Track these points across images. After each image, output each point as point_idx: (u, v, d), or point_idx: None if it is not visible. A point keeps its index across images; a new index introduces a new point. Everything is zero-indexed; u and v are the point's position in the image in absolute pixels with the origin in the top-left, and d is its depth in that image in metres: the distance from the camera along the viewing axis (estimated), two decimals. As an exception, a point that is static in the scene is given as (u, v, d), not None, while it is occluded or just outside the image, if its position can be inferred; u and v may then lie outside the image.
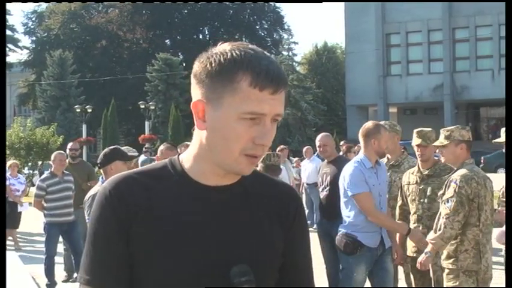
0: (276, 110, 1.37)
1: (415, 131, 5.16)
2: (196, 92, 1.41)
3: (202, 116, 1.40)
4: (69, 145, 9.07)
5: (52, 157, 7.74)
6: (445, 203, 4.34)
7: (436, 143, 4.61)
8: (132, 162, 5.46)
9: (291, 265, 1.53)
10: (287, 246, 1.52)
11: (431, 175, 5.05)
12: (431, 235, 4.42)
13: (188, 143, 5.67)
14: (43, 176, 7.71)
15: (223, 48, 1.39)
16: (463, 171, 4.35)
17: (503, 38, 34.49)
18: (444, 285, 4.45)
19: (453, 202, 4.25)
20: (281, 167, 8.48)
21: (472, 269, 4.27)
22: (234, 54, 1.36)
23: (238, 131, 1.36)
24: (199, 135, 1.44)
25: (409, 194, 5.17)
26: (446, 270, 4.38)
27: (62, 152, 8.01)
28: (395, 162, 5.64)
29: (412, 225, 5.08)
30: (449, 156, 4.49)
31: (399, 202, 5.30)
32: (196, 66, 1.41)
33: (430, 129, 5.21)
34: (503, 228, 0.97)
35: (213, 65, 1.37)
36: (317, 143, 6.58)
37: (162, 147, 6.00)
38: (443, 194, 4.40)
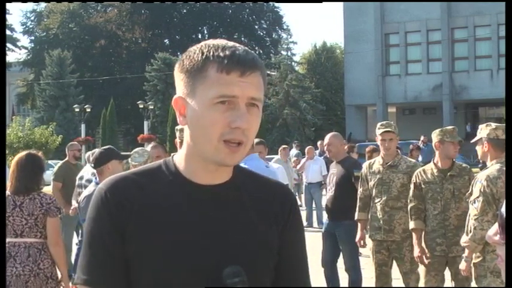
0: (249, 93, 1.39)
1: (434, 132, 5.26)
2: (177, 91, 1.47)
3: (184, 111, 1.44)
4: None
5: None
6: (472, 204, 4.25)
7: (474, 140, 4.61)
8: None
9: (286, 263, 1.54)
10: (282, 244, 1.52)
11: (454, 175, 5.06)
12: (464, 238, 4.32)
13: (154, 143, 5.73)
14: None
15: (195, 46, 1.46)
16: (490, 170, 4.27)
17: (502, 38, 34.53)
18: (473, 284, 4.39)
19: (480, 202, 4.17)
20: (280, 166, 8.49)
21: (499, 270, 4.14)
22: (202, 47, 1.43)
23: (213, 117, 1.38)
24: (185, 134, 1.47)
25: (432, 194, 5.12)
26: (474, 269, 4.31)
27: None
28: (393, 163, 5.65)
29: (436, 225, 5.08)
30: (479, 152, 4.48)
31: (413, 202, 5.21)
32: (175, 68, 1.48)
33: (451, 127, 5.30)
34: (496, 226, 0.99)
35: (185, 61, 1.44)
36: (325, 142, 6.63)
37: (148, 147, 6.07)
38: (471, 193, 4.33)
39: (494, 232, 0.97)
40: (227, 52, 1.40)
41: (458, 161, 5.35)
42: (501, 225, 0.97)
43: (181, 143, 4.46)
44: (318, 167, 12.77)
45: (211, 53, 1.40)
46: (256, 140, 6.92)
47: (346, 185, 6.22)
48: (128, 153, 5.34)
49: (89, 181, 7.66)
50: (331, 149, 6.40)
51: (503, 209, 0.99)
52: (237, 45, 1.44)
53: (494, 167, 4.28)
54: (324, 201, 7.10)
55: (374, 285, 5.83)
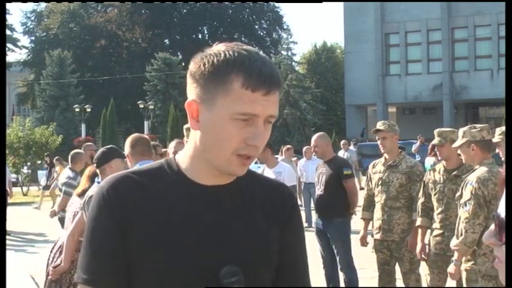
0: (269, 112, 1.38)
1: (435, 130, 5.21)
2: (191, 92, 1.43)
3: (196, 116, 1.41)
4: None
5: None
6: (463, 207, 4.19)
7: (454, 144, 4.57)
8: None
9: (286, 264, 1.53)
10: (282, 244, 1.52)
11: (459, 175, 4.97)
12: (454, 241, 4.26)
13: (178, 140, 5.70)
14: None
15: (218, 49, 1.40)
16: (479, 172, 4.23)
17: (502, 37, 34.52)
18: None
19: (471, 205, 4.11)
20: (289, 166, 8.57)
21: (490, 274, 4.07)
22: (227, 55, 1.37)
23: (231, 131, 1.36)
24: (193, 135, 1.45)
25: (435, 193, 5.12)
26: (465, 273, 4.25)
27: None
28: (393, 163, 5.65)
29: (437, 224, 5.09)
30: (464, 157, 4.44)
31: (422, 199, 5.24)
32: (191, 67, 1.42)
33: (450, 129, 5.25)
34: (492, 226, 0.99)
35: (207, 65, 1.38)
36: (311, 143, 6.68)
37: (173, 143, 6.03)
38: (461, 196, 4.28)
39: (491, 233, 0.97)
40: (254, 67, 1.36)
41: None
42: (498, 226, 0.97)
43: None
44: (315, 167, 12.73)
45: (238, 64, 1.36)
46: None
47: (336, 184, 6.27)
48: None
49: (64, 185, 7.59)
50: (318, 150, 6.49)
51: (499, 210, 0.99)
52: (262, 56, 1.40)
53: (483, 168, 4.25)
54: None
55: (377, 284, 5.83)
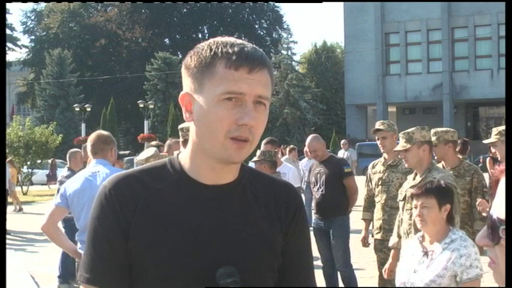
0: (256, 91, 1.38)
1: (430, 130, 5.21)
2: (184, 87, 1.46)
3: (190, 108, 1.43)
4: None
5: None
6: None
7: (398, 148, 4.47)
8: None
9: (290, 264, 1.53)
10: (287, 245, 1.51)
11: (456, 175, 4.94)
12: None
13: (174, 139, 5.73)
14: None
15: (204, 43, 1.45)
16: (444, 171, 4.24)
17: (502, 37, 34.53)
18: None
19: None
20: (293, 167, 8.54)
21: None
22: (211, 44, 1.42)
23: (220, 113, 1.37)
24: (191, 131, 1.46)
25: None
26: None
27: None
28: (393, 163, 5.65)
29: None
30: (412, 159, 4.35)
31: None
32: (182, 64, 1.47)
33: (444, 128, 5.29)
34: (485, 228, 1.00)
35: (193, 58, 1.43)
36: (306, 148, 6.58)
37: (168, 142, 6.09)
38: None
39: (484, 234, 0.98)
40: (236, 48, 1.39)
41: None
42: (490, 227, 0.98)
43: (183, 142, 4.51)
44: None
45: (220, 49, 1.39)
46: (267, 139, 7.00)
47: (336, 183, 6.28)
48: (125, 152, 5.40)
49: (59, 183, 7.56)
50: (318, 153, 6.42)
51: (492, 211, 1.00)
52: (246, 42, 1.43)
53: (440, 169, 4.32)
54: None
55: (377, 284, 5.84)
